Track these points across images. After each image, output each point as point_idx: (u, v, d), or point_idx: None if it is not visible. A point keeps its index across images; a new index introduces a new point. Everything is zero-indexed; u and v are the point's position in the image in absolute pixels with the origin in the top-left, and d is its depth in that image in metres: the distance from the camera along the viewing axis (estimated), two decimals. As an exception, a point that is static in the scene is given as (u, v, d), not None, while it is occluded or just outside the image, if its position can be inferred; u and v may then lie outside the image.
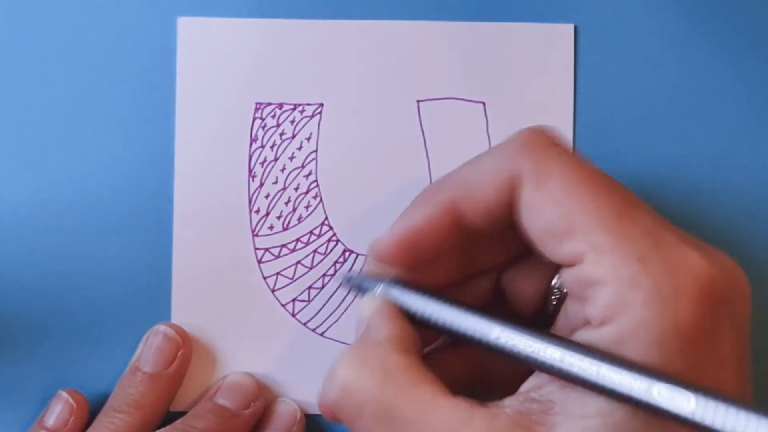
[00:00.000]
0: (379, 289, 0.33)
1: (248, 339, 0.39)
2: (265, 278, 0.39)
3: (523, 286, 0.34)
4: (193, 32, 0.39)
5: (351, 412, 0.30)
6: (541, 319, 0.33)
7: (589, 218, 0.28)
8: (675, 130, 0.39)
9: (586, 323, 0.28)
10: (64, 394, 0.38)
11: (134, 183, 0.39)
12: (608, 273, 0.27)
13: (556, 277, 0.32)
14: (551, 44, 0.39)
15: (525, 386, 0.29)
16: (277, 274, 0.39)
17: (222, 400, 0.38)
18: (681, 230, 0.30)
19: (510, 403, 0.29)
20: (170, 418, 0.38)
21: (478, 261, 0.34)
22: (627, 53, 0.39)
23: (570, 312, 0.29)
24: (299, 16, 0.39)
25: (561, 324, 0.32)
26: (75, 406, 0.38)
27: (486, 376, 0.34)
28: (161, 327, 0.38)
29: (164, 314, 0.39)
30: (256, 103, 0.39)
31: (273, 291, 0.39)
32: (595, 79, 0.39)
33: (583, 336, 0.28)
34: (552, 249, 0.29)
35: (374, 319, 0.32)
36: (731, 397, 0.25)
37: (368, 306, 0.33)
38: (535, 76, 0.39)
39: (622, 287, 0.27)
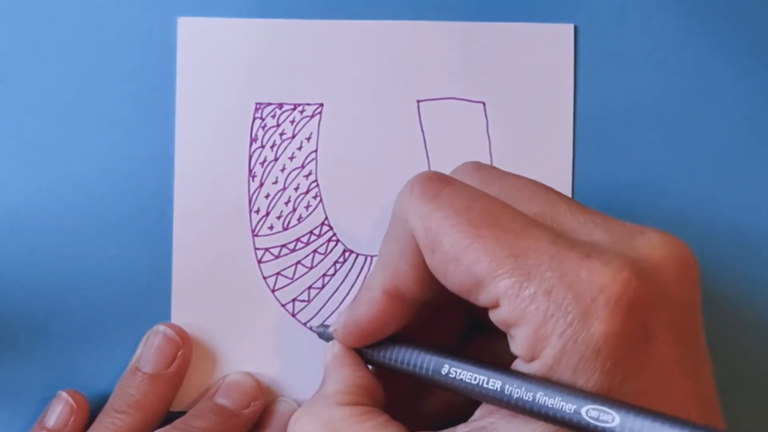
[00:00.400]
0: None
1: (248, 339, 0.39)
2: (265, 278, 0.39)
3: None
4: (193, 32, 0.39)
5: None
6: None
7: (489, 266, 0.28)
8: (674, 129, 0.39)
9: (518, 359, 0.29)
10: (64, 394, 0.38)
11: (134, 183, 0.39)
12: (521, 314, 0.28)
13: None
14: (551, 44, 0.39)
15: (476, 414, 0.30)
16: (277, 274, 0.39)
17: (222, 400, 0.38)
18: (596, 224, 0.30)
19: (461, 431, 0.29)
20: (170, 417, 0.38)
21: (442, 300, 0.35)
22: (627, 53, 0.39)
23: (510, 345, 0.30)
24: (299, 16, 0.39)
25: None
26: (75, 406, 0.38)
27: None
28: (161, 327, 0.38)
29: (164, 314, 0.39)
30: (256, 103, 0.39)
31: (273, 291, 0.39)
32: (595, 79, 0.39)
33: (518, 369, 0.29)
34: (472, 299, 0.29)
35: (329, 370, 0.33)
36: (654, 411, 0.26)
37: (327, 353, 0.34)
38: (535, 76, 0.39)
39: (536, 325, 0.27)
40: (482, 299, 0.29)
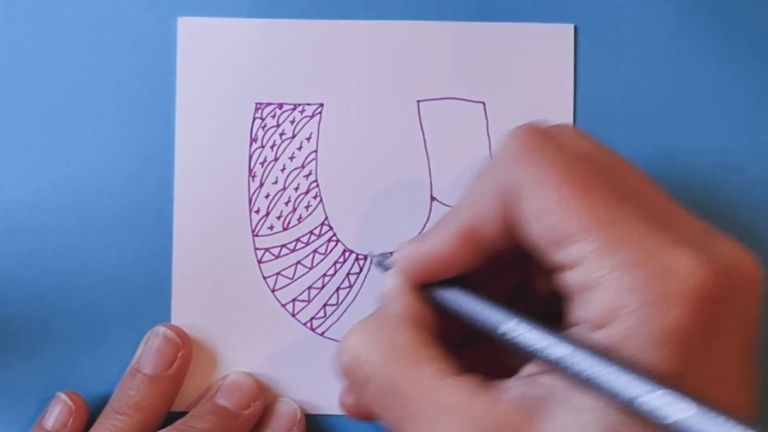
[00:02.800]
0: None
1: (248, 339, 0.39)
2: (265, 278, 0.39)
3: (539, 282, 0.34)
4: (193, 32, 0.39)
5: (359, 381, 0.31)
6: (555, 315, 0.33)
7: (583, 225, 0.28)
8: (675, 129, 0.39)
9: (583, 324, 0.29)
10: (62, 395, 0.38)
11: (134, 183, 0.39)
12: (602, 279, 0.28)
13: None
14: (551, 44, 0.39)
15: (531, 368, 0.30)
16: (277, 274, 0.39)
17: (222, 401, 0.38)
18: (682, 217, 0.30)
19: (514, 384, 0.29)
20: (171, 418, 0.38)
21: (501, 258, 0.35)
22: (627, 53, 0.39)
23: (569, 311, 0.29)
24: (299, 16, 0.39)
25: (564, 322, 0.32)
26: (74, 407, 0.38)
27: None
28: (161, 328, 0.38)
29: (164, 314, 0.39)
30: (256, 103, 0.39)
31: (273, 291, 0.39)
32: (595, 79, 0.39)
33: (580, 335, 0.29)
34: (550, 255, 0.29)
35: (392, 292, 0.33)
36: (725, 409, 0.26)
37: (390, 280, 0.34)
38: (535, 76, 0.39)
39: (615, 293, 0.27)
40: (558, 257, 0.29)
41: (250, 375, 0.39)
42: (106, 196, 0.39)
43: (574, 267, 0.28)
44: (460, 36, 0.39)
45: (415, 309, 0.32)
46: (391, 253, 0.35)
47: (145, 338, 0.38)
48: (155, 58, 0.39)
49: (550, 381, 0.29)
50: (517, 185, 0.30)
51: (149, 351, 0.38)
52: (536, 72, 0.39)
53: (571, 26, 0.39)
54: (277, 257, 0.39)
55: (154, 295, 0.39)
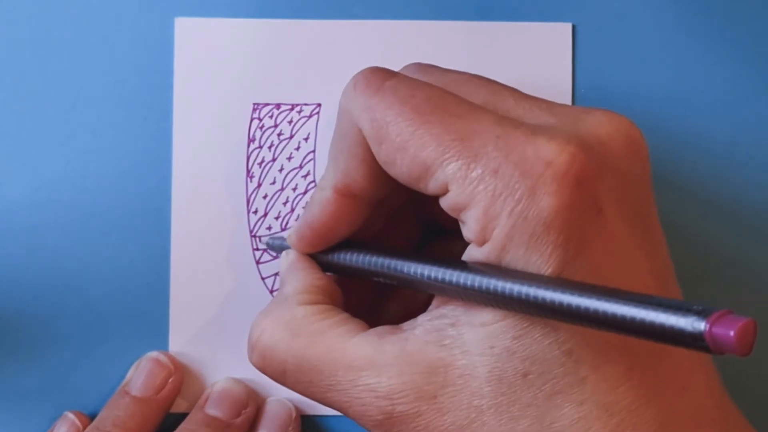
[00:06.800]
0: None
1: (247, 339, 0.39)
2: (263, 279, 0.39)
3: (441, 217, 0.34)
4: (190, 33, 0.39)
5: (275, 374, 0.32)
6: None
7: (436, 151, 0.28)
8: (673, 129, 0.39)
9: (471, 244, 0.29)
10: (70, 415, 0.38)
11: (132, 184, 0.39)
12: (470, 196, 0.28)
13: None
14: (549, 43, 0.39)
15: (432, 305, 0.30)
16: (276, 274, 0.39)
17: (213, 411, 0.38)
18: (544, 107, 0.30)
19: (421, 321, 0.29)
20: (170, 418, 0.38)
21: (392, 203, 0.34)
22: (625, 52, 0.39)
23: (462, 231, 0.30)
24: (296, 16, 0.39)
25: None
26: (81, 427, 0.37)
27: None
28: (154, 353, 0.38)
29: (162, 315, 0.39)
30: (254, 104, 0.39)
31: (271, 292, 0.39)
32: (594, 79, 0.39)
33: (472, 254, 0.28)
34: (422, 188, 0.29)
35: (286, 275, 0.33)
36: (588, 285, 0.25)
37: (283, 262, 0.34)
38: (533, 75, 0.39)
39: (485, 205, 0.27)
40: (432, 186, 0.29)
41: (239, 381, 0.38)
42: (105, 197, 0.39)
43: (446, 191, 0.28)
44: (458, 35, 0.39)
45: (309, 283, 0.32)
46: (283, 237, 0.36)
47: (137, 362, 0.38)
48: (153, 58, 0.39)
49: (452, 309, 0.29)
50: (370, 129, 0.30)
51: (140, 373, 0.38)
52: (534, 71, 0.39)
53: (569, 25, 0.39)
54: (276, 258, 0.39)
55: (152, 295, 0.39)
